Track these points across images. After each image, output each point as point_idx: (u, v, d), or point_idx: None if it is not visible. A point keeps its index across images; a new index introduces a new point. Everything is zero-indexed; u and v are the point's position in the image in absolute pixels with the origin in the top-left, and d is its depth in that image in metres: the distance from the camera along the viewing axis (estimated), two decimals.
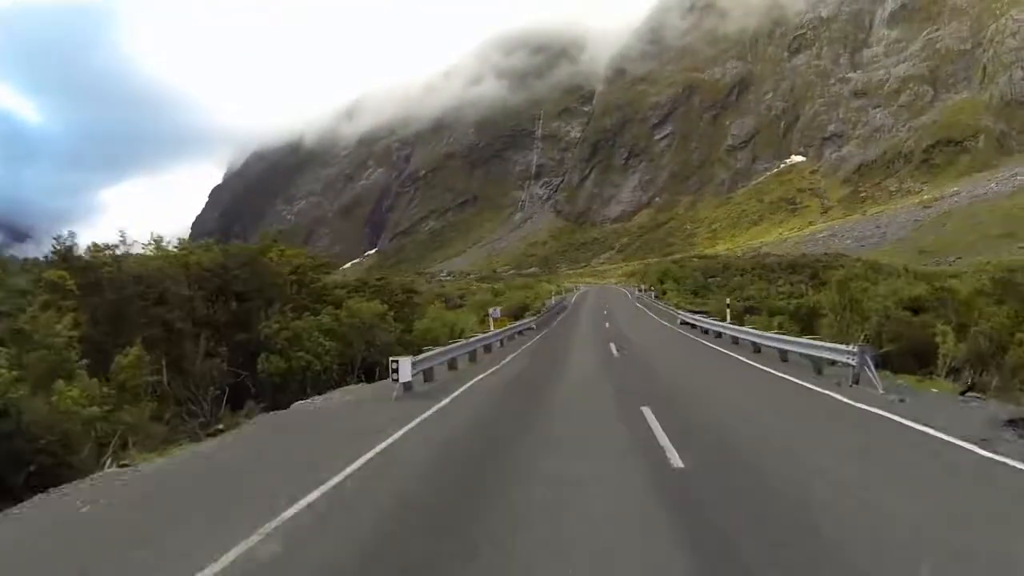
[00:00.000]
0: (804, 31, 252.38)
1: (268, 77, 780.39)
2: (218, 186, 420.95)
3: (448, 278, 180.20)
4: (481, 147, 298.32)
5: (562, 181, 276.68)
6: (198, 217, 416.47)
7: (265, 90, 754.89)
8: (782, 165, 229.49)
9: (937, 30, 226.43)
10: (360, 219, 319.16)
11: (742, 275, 75.09)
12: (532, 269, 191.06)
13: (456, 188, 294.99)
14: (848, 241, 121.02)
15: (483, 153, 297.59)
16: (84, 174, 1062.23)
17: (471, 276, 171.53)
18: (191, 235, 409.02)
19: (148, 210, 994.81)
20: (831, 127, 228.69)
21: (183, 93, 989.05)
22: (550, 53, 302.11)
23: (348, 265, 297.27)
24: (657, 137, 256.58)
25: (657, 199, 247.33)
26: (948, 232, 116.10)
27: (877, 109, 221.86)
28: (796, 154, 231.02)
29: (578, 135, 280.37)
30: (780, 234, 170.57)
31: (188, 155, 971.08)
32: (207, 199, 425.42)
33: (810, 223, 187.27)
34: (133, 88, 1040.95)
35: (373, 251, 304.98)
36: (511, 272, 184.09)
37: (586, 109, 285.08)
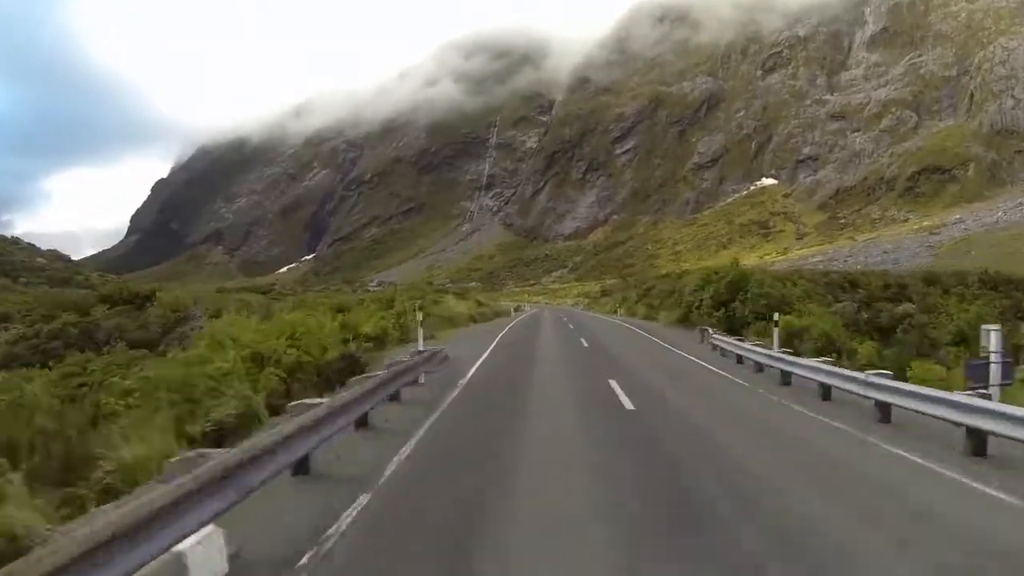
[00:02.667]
0: (780, 49, 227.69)
1: (220, 71, 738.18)
2: (161, 180, 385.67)
3: (377, 288, 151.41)
4: (431, 153, 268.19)
5: (514, 193, 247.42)
6: (137, 211, 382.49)
7: (216, 84, 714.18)
8: (752, 187, 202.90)
9: (920, 56, 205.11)
10: (300, 222, 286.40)
11: (943, 295, 40.94)
12: (472, 284, 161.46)
13: (402, 195, 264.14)
14: (857, 266, 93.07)
15: (433, 159, 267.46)
16: (28, 159, 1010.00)
17: (400, 287, 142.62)
18: (129, 229, 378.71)
19: (93, 201, 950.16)
20: (806, 150, 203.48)
21: (134, 84, 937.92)
22: (512, 59, 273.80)
23: (284, 269, 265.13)
24: (618, 151, 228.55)
25: (615, 217, 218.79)
26: (977, 259, 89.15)
27: (856, 133, 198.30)
28: (767, 176, 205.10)
29: (534, 146, 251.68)
30: (760, 258, 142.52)
31: (137, 147, 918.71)
32: (149, 193, 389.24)
33: (786, 248, 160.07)
34: (82, 75, 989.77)
35: (311, 256, 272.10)
36: (448, 285, 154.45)
37: (545, 119, 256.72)
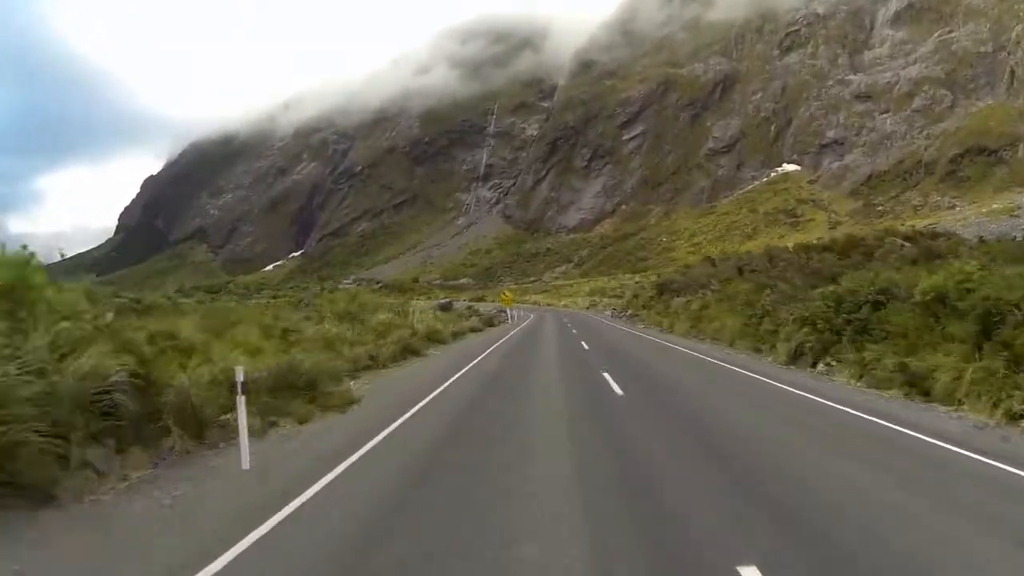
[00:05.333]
0: (797, 28, 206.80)
1: (211, 65, 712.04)
2: (151, 177, 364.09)
3: (351, 284, 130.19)
4: (425, 142, 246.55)
5: (513, 184, 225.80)
6: (126, 209, 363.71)
7: (208, 79, 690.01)
8: (773, 174, 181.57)
9: (951, 32, 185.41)
10: (288, 217, 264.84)
11: None
12: (464, 280, 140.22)
13: (395, 187, 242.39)
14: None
15: (427, 149, 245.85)
16: (21, 159, 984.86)
17: (379, 285, 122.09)
18: (117, 227, 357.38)
19: (87, 200, 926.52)
20: (831, 133, 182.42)
21: (127, 81, 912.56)
22: (510, 43, 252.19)
23: (270, 267, 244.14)
24: (626, 137, 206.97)
25: (624, 207, 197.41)
26: None
27: (886, 114, 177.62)
28: (789, 162, 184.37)
29: (535, 133, 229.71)
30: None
31: (131, 144, 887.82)
32: (139, 190, 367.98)
33: (819, 238, 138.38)
34: (75, 73, 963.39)
35: (299, 253, 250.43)
36: (437, 282, 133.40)
37: (546, 105, 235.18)
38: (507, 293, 55.95)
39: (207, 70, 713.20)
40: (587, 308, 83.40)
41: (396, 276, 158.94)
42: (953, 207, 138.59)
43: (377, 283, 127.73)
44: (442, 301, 55.09)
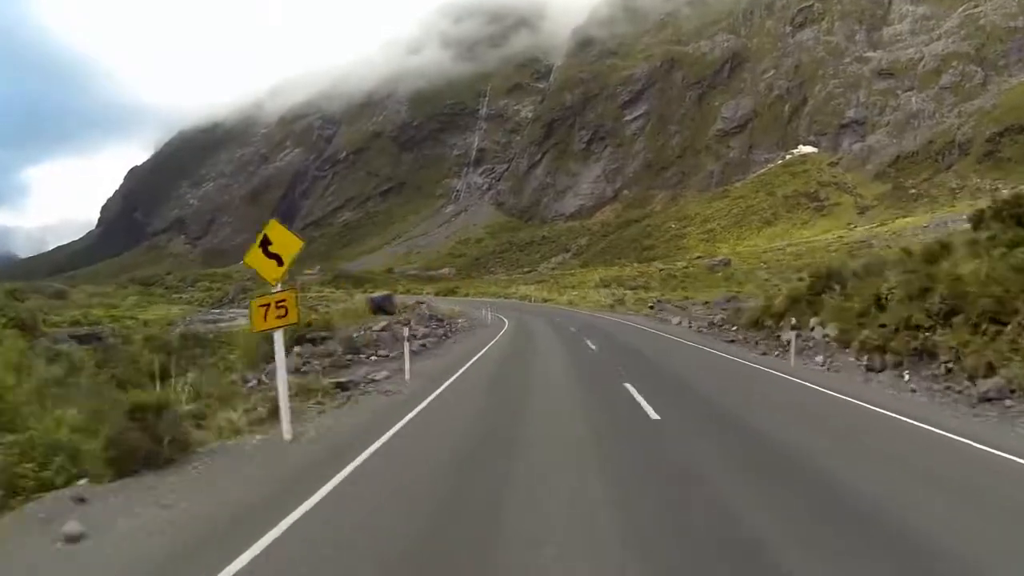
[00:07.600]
0: (810, 3, 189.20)
1: (199, 54, 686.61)
2: (135, 167, 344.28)
3: (315, 275, 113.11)
4: (414, 126, 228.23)
5: (507, 168, 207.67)
6: (108, 200, 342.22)
7: (196, 68, 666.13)
8: (788, 155, 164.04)
9: (976, 6, 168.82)
10: (269, 207, 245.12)
11: None
12: (445, 269, 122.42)
13: (381, 173, 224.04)
14: None
15: (416, 133, 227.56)
16: (9, 151, 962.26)
17: (334, 275, 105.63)
18: (99, 219, 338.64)
19: (76, 191, 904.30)
20: (850, 112, 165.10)
21: (115, 71, 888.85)
22: (506, 22, 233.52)
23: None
24: (628, 118, 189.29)
25: (626, 192, 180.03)
26: None
27: (911, 92, 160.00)
28: (805, 143, 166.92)
29: (530, 116, 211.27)
30: (840, 237, 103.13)
31: (120, 135, 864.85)
32: (122, 181, 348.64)
33: (849, 224, 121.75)
34: (63, 65, 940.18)
35: None
36: (413, 273, 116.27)
37: (541, 86, 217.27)
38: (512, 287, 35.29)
39: (197, 57, 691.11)
40: (611, 307, 54.37)
41: (373, 267, 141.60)
42: (996, 189, 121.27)
43: (333, 273, 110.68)
44: (377, 296, 35.77)
